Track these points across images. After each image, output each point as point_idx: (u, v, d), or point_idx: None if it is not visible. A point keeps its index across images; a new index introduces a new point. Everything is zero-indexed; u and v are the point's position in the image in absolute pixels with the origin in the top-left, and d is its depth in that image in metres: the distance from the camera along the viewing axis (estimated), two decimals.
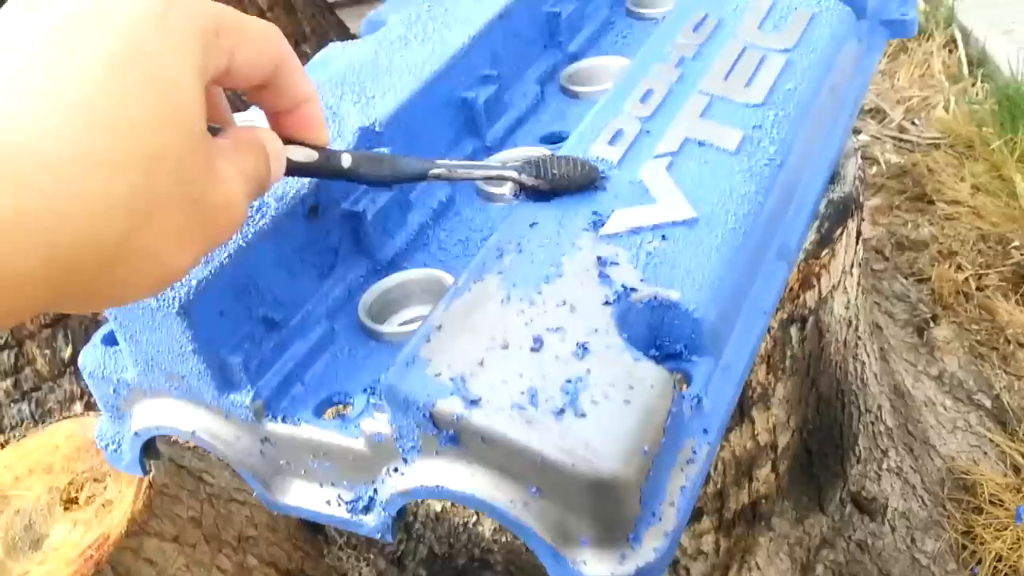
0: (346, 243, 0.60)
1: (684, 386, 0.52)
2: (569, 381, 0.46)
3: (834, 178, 0.76)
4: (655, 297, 0.52)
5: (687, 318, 0.52)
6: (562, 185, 0.56)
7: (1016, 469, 1.09)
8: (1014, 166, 1.68)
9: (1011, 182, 1.64)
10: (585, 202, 0.57)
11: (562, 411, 0.45)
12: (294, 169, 0.46)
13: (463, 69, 0.70)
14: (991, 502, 1.04)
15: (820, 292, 0.73)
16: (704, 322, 0.52)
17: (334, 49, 0.72)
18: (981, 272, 1.37)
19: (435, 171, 0.53)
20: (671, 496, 0.48)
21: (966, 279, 1.35)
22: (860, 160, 0.76)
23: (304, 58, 0.69)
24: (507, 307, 0.50)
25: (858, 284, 0.80)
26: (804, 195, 0.65)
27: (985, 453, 1.09)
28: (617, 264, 0.53)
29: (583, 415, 0.45)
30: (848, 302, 0.78)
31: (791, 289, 0.71)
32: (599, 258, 0.53)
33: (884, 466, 0.92)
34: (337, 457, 0.52)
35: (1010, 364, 1.21)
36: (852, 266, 0.77)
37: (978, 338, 1.25)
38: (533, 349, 0.48)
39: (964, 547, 1.00)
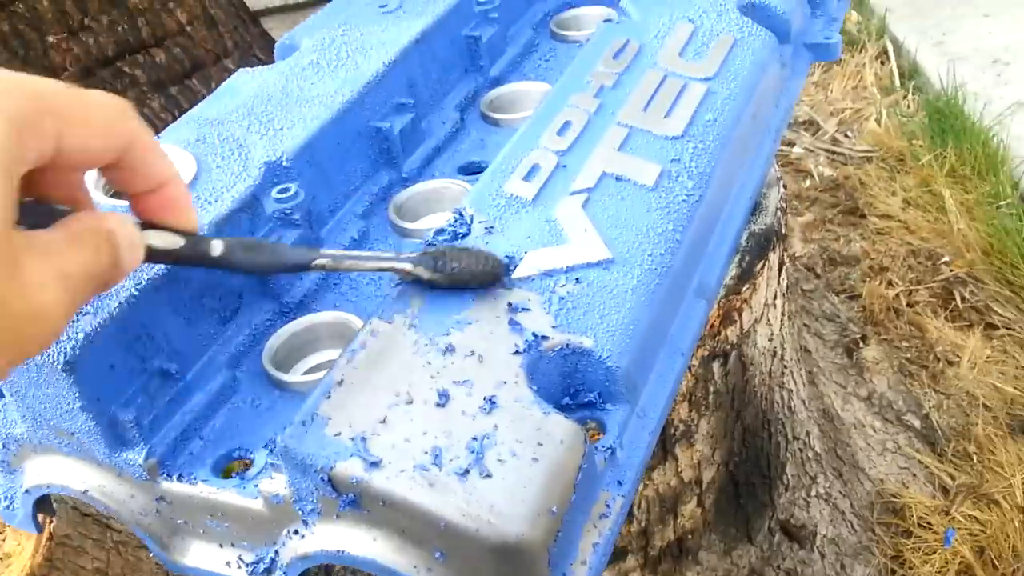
0: (250, 285, 0.58)
1: (598, 436, 0.50)
2: (475, 439, 0.45)
3: (756, 209, 0.75)
4: (567, 345, 0.50)
5: (600, 366, 0.50)
6: (462, 280, 0.51)
7: (944, 491, 1.09)
8: (943, 180, 1.71)
9: (940, 196, 1.66)
10: (502, 244, 0.55)
11: (467, 472, 0.43)
12: (156, 256, 0.42)
13: (378, 97, 0.68)
14: (920, 525, 1.04)
15: (742, 327, 0.72)
16: (618, 370, 0.50)
17: (243, 76, 0.70)
18: (911, 288, 1.38)
19: (319, 261, 0.48)
20: (583, 554, 0.46)
21: (896, 295, 1.36)
22: (782, 190, 0.75)
23: (226, 73, 0.66)
24: (413, 358, 0.48)
25: (782, 314, 0.79)
26: (724, 229, 0.64)
27: (914, 475, 1.09)
28: (529, 310, 0.51)
29: (488, 475, 0.43)
30: (772, 333, 0.78)
31: (712, 326, 0.70)
32: (510, 304, 0.51)
33: (813, 492, 0.92)
34: (236, 518, 0.49)
35: (939, 383, 1.22)
36: (775, 297, 0.76)
37: (908, 355, 1.26)
38: (439, 404, 0.46)
39: (893, 572, 1.00)
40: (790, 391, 0.85)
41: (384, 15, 0.76)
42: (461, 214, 0.57)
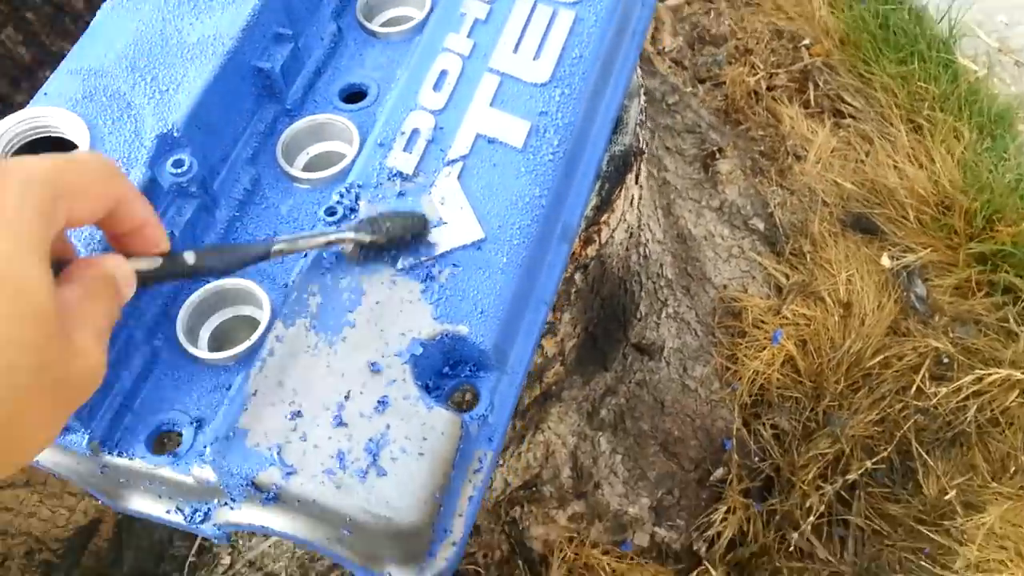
0: None
1: (472, 401, 0.61)
2: (372, 439, 0.54)
3: (616, 126, 0.81)
4: (446, 334, 0.59)
5: (474, 348, 0.59)
6: (397, 235, 0.60)
7: (779, 290, 1.25)
8: None
9: None
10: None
11: (366, 472, 0.54)
12: (141, 280, 0.48)
13: (257, 34, 0.69)
14: (754, 325, 1.20)
15: (601, 242, 0.80)
16: (489, 349, 0.60)
17: (115, 12, 0.69)
18: (772, 72, 1.46)
19: (277, 247, 0.55)
20: (460, 507, 0.58)
21: (758, 80, 1.44)
22: (643, 99, 0.80)
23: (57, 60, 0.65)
24: (315, 361, 0.57)
25: (639, 201, 0.87)
26: (587, 167, 0.71)
27: (754, 277, 1.23)
28: (409, 305, 0.59)
29: (384, 474, 0.54)
30: (628, 224, 0.86)
31: (573, 254, 0.78)
32: (400, 299, 0.59)
33: (663, 314, 1.05)
34: (171, 486, 0.59)
35: (786, 178, 1.34)
36: (632, 203, 0.84)
37: (762, 148, 1.36)
38: (340, 406, 0.55)
39: (727, 368, 1.17)
40: (645, 244, 0.96)
41: None
42: (347, 192, 0.63)
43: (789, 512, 1.13)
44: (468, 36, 0.70)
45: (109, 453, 0.59)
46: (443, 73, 0.68)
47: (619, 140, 0.77)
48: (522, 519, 0.99)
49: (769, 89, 1.44)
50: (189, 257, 0.51)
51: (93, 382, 0.41)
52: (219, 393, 0.60)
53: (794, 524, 1.13)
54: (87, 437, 0.58)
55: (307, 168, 0.70)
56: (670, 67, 1.36)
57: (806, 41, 1.51)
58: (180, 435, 0.60)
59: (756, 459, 1.16)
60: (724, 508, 1.11)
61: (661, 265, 1.04)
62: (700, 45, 1.46)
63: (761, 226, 1.28)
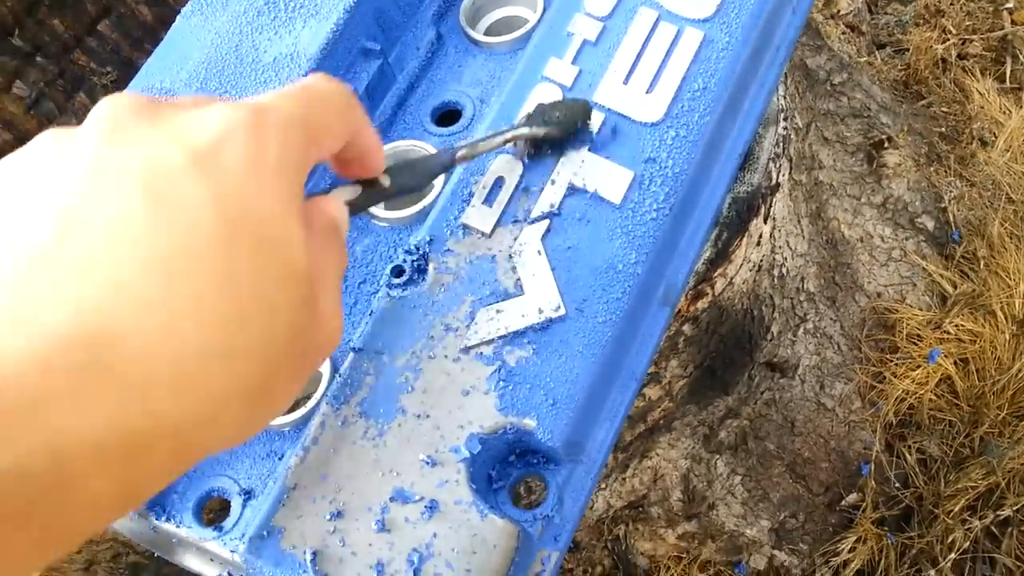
0: None
1: (540, 493, 0.55)
2: (415, 550, 0.50)
3: (745, 161, 0.70)
4: (510, 426, 0.53)
5: (542, 444, 0.53)
6: (566, 124, 0.58)
7: (943, 299, 1.11)
8: None
9: None
10: (456, 296, 0.55)
11: None
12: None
13: (341, 49, 0.63)
14: (909, 339, 1.07)
15: (715, 294, 0.71)
16: (559, 445, 0.53)
17: (193, 20, 0.64)
18: (965, 37, 1.28)
19: (460, 153, 0.53)
20: None
21: (947, 47, 1.26)
22: (781, 125, 0.69)
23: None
24: (363, 452, 0.52)
25: (773, 232, 0.76)
26: (699, 222, 0.62)
27: (914, 285, 1.10)
28: (472, 392, 0.53)
29: None
30: (755, 264, 0.76)
31: (679, 311, 0.69)
32: (461, 389, 0.53)
33: (800, 331, 0.95)
34: (218, 555, 0.57)
35: (967, 167, 1.17)
36: (763, 239, 0.73)
37: (942, 129, 1.20)
38: (384, 509, 0.50)
39: (872, 387, 1.05)
40: (781, 264, 0.85)
41: None
42: (416, 250, 0.57)
43: (928, 546, 1.03)
44: (573, 62, 0.62)
45: (158, 518, 0.57)
46: None
47: (746, 179, 0.67)
48: (627, 536, 0.93)
49: (960, 58, 1.26)
50: (385, 180, 0.46)
51: (332, 346, 0.37)
52: (271, 461, 0.57)
53: (932, 560, 1.02)
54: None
55: (387, 205, 0.64)
56: (844, 33, 1.20)
57: (1009, 4, 1.31)
58: (227, 503, 0.57)
59: (896, 486, 1.05)
60: (854, 537, 1.02)
61: (802, 279, 0.94)
62: (885, 1, 1.29)
63: (930, 225, 1.13)
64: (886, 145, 1.12)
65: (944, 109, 1.22)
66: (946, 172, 1.16)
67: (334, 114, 0.38)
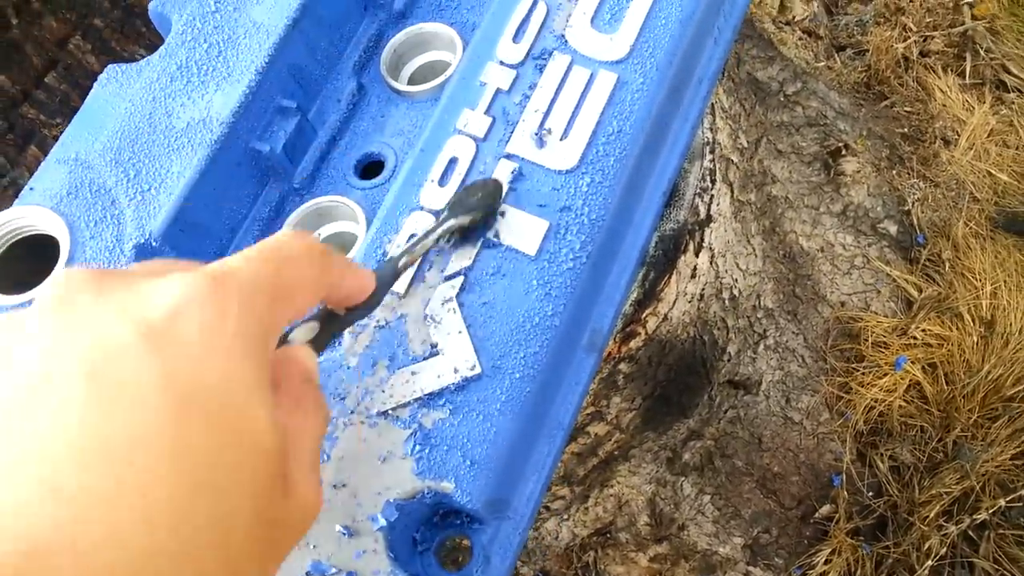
0: None
1: (468, 552, 0.54)
2: None
3: (670, 198, 0.69)
4: (428, 491, 0.53)
5: (463, 506, 0.53)
6: (484, 208, 0.57)
7: (908, 304, 1.10)
8: None
9: None
10: (371, 360, 0.55)
11: None
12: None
13: (256, 109, 0.63)
14: (875, 346, 1.07)
15: (648, 332, 0.70)
16: (480, 507, 0.53)
17: (110, 87, 0.64)
18: (927, 34, 1.26)
19: (402, 262, 0.52)
20: None
21: (908, 45, 1.25)
22: (708, 158, 0.68)
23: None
24: None
25: (711, 262, 0.76)
26: (622, 267, 0.61)
27: (879, 292, 1.09)
28: (389, 457, 0.53)
29: None
30: (693, 296, 0.75)
31: (608, 354, 0.69)
32: (378, 451, 0.53)
33: (761, 347, 0.94)
34: None
35: (930, 168, 1.16)
36: (697, 272, 0.72)
37: (904, 130, 1.18)
38: None
39: (839, 397, 1.04)
40: (730, 287, 0.84)
41: None
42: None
43: (904, 554, 1.02)
44: (486, 112, 0.61)
45: None
46: (452, 162, 0.60)
47: (672, 216, 0.66)
48: (597, 562, 0.93)
49: (922, 55, 1.25)
50: (339, 310, 0.46)
51: (308, 524, 0.35)
52: None
53: (909, 568, 1.02)
54: None
55: None
56: (800, 39, 1.19)
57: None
58: None
59: (869, 495, 1.05)
60: (829, 549, 1.01)
61: (758, 296, 0.93)
62: (844, 2, 1.28)
63: (893, 229, 1.12)
64: (843, 152, 1.11)
65: (907, 109, 1.21)
66: (909, 174, 1.15)
67: (306, 271, 0.36)
